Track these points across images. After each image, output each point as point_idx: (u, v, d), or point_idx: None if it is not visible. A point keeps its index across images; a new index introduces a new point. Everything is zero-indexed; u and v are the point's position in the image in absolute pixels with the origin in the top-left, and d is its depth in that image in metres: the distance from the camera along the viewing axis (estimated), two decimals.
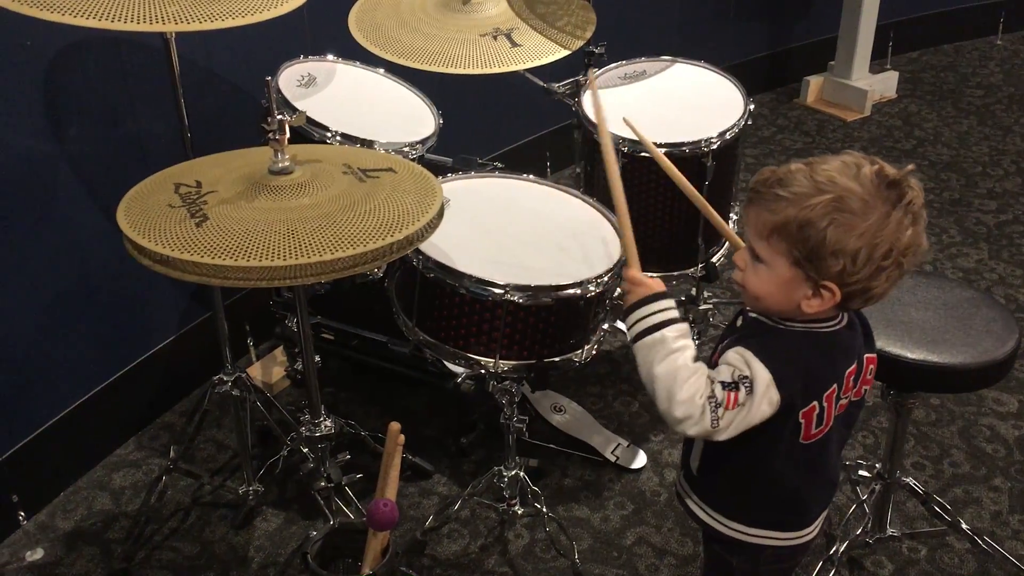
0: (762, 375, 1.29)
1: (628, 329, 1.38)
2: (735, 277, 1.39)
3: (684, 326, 1.36)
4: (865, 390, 1.43)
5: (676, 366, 1.31)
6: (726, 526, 1.47)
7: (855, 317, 1.41)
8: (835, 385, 1.35)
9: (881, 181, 1.25)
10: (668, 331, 1.34)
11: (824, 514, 1.51)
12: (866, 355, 1.41)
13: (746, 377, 1.29)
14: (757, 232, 1.31)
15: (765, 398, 1.29)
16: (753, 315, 1.39)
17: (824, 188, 1.25)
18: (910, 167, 1.28)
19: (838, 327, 1.36)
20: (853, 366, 1.38)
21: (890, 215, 1.24)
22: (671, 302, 1.37)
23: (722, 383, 1.30)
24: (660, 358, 1.32)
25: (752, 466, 1.41)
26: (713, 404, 1.29)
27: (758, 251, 1.32)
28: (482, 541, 2.22)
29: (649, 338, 1.34)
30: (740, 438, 1.33)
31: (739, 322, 1.43)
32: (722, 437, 1.31)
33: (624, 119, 2.17)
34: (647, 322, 1.35)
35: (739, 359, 1.31)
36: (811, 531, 1.48)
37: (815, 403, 1.34)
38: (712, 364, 1.37)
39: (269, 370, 2.68)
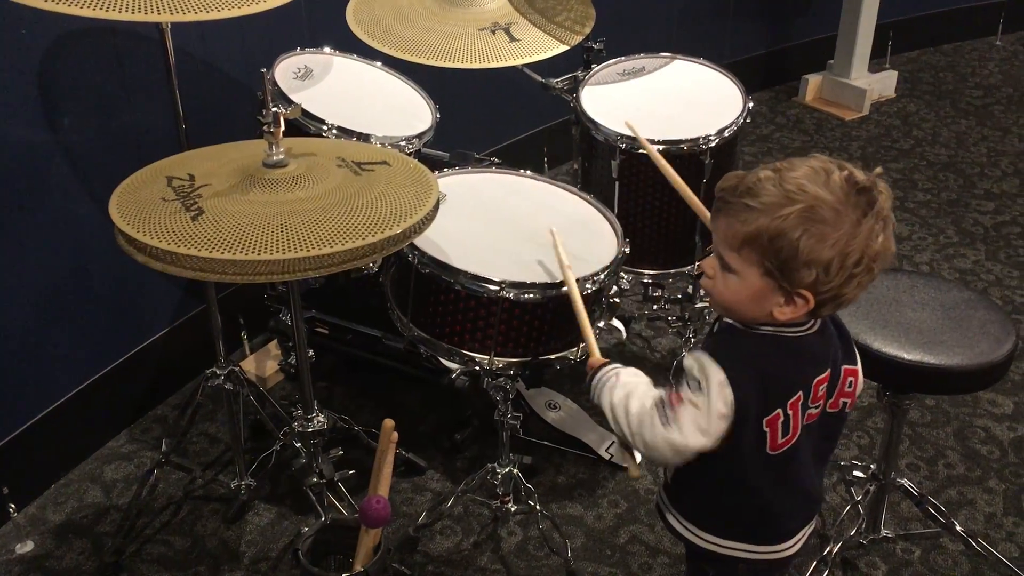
0: (715, 375, 1.27)
1: (596, 397, 1.46)
2: (703, 284, 1.37)
3: (635, 370, 1.45)
4: (844, 403, 1.41)
5: (628, 391, 1.38)
6: (700, 538, 1.45)
7: (830, 325, 1.38)
8: (800, 392, 1.33)
9: (851, 188, 1.23)
10: (622, 374, 1.44)
11: (806, 530, 1.48)
12: (845, 367, 1.39)
13: (694, 378, 1.30)
14: (727, 243, 1.29)
15: (720, 397, 1.27)
16: (728, 320, 1.37)
17: (795, 197, 1.22)
18: (878, 170, 1.26)
19: (807, 332, 1.34)
20: (824, 375, 1.35)
21: (861, 223, 1.22)
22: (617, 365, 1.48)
23: (669, 385, 1.33)
24: (615, 390, 1.40)
25: (721, 477, 1.39)
26: (660, 404, 1.32)
27: (728, 261, 1.29)
28: (475, 538, 2.21)
29: (607, 384, 1.43)
30: (712, 452, 1.32)
31: (716, 328, 1.42)
32: (689, 441, 1.29)
33: (627, 123, 2.15)
34: (605, 379, 1.44)
35: (693, 362, 1.31)
36: (789, 547, 1.46)
37: (779, 410, 1.32)
38: None
39: (263, 364, 2.67)
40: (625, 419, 1.36)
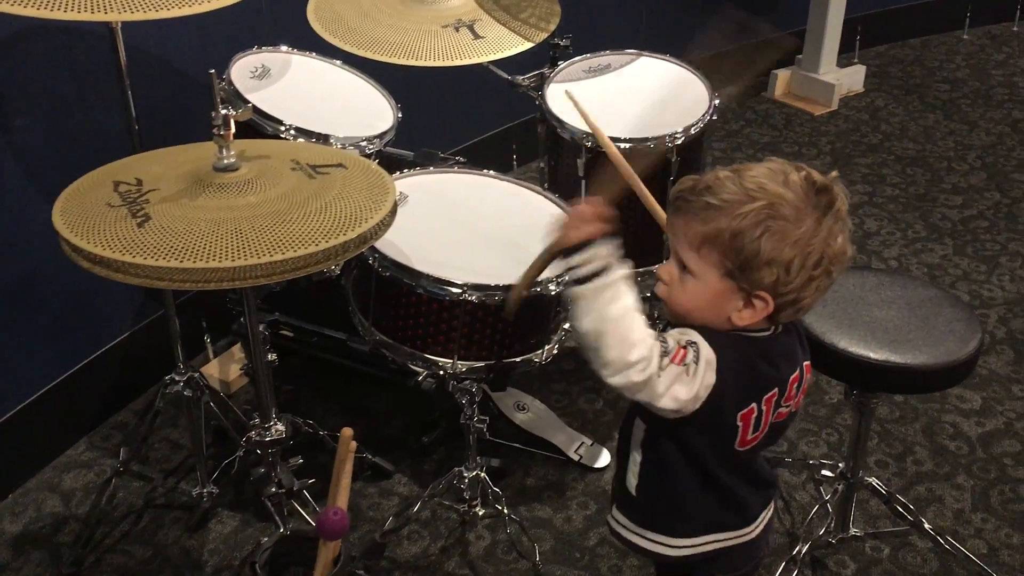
0: (706, 352, 1.24)
1: (573, 268, 1.23)
2: (658, 291, 1.32)
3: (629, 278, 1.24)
4: (800, 398, 1.39)
5: (629, 305, 1.21)
6: (671, 546, 1.42)
7: (791, 323, 1.36)
8: (776, 389, 1.31)
9: (810, 187, 1.23)
10: (621, 269, 1.22)
11: (766, 513, 1.46)
12: (805, 363, 1.38)
13: (694, 343, 1.24)
14: (687, 242, 1.26)
15: (704, 377, 1.23)
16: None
17: (755, 195, 1.21)
18: (834, 174, 1.26)
19: (774, 333, 1.32)
20: (796, 373, 1.34)
21: (821, 222, 1.22)
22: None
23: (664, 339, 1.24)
24: (612, 298, 1.20)
25: (690, 479, 1.36)
26: (663, 349, 1.21)
27: (687, 263, 1.27)
28: (442, 543, 2.18)
29: (603, 279, 1.21)
30: (678, 444, 1.30)
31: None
32: (659, 399, 1.21)
33: (567, 93, 2.06)
34: (601, 262, 1.21)
35: (682, 336, 1.26)
36: (753, 528, 1.44)
37: (754, 404, 1.29)
38: None
39: (227, 367, 2.63)
40: (621, 342, 1.19)
